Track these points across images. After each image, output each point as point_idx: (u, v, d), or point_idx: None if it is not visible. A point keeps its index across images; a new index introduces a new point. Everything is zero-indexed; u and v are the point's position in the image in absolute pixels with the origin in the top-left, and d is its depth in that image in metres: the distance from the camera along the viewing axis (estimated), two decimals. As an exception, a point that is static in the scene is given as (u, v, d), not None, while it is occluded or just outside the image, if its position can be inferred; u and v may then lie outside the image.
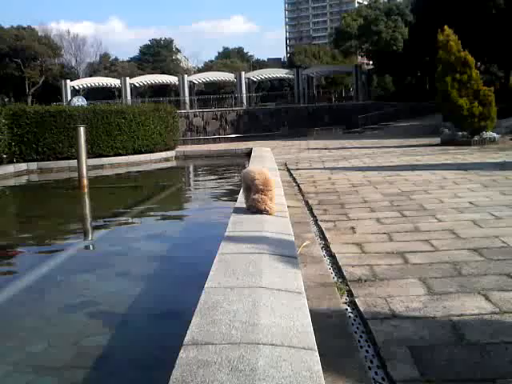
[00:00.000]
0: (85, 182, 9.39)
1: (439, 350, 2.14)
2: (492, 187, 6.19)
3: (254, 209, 4.11)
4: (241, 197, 4.71)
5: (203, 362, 1.69)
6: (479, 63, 18.46)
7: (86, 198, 8.90)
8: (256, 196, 4.07)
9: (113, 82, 46.54)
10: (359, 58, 65.12)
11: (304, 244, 3.78)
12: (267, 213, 4.05)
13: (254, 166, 4.77)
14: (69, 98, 40.11)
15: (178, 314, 3.12)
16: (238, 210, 4.32)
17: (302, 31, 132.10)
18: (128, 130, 14.47)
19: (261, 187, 4.05)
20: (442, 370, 1.99)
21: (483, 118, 13.17)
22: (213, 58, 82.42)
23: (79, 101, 27.15)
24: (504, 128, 14.14)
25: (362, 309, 2.58)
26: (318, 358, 1.78)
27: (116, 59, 72.39)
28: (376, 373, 2.03)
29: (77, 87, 44.79)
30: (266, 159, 9.96)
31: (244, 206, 4.34)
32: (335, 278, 3.11)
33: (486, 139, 13.01)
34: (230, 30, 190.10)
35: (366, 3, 69.03)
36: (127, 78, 45.26)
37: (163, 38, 76.50)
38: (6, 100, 47.14)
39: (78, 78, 54.34)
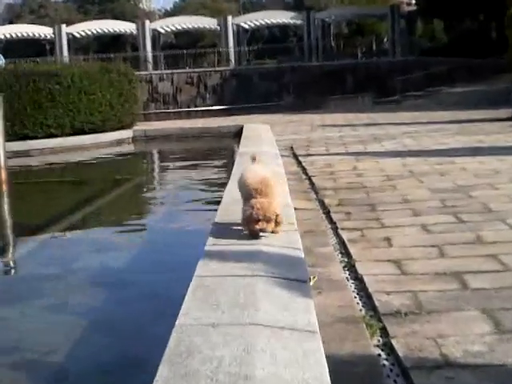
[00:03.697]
0: (3, 175, 9.36)
1: (512, 411, 2.15)
2: None
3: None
4: (225, 204, 4.69)
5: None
6: None
7: (5, 199, 8.87)
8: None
9: (42, 31, 46.43)
10: (396, -5, 65.27)
11: (313, 280, 3.45)
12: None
13: (253, 167, 4.27)
14: (-21, 54, 40.03)
15: (137, 363, 3.11)
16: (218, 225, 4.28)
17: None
18: (65, 100, 14.44)
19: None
20: None
21: None
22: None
23: (-6, 59, 27.06)
24: None
25: (401, 354, 2.58)
26: (339, 424, 1.78)
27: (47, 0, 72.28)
28: None
29: (-9, 39, 44.69)
30: (262, 141, 9.96)
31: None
32: (363, 311, 3.12)
33: None
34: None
35: None
36: (63, 26, 45.13)
37: (114, -32, 76.35)
38: None
39: (-8, 25, 54.20)
